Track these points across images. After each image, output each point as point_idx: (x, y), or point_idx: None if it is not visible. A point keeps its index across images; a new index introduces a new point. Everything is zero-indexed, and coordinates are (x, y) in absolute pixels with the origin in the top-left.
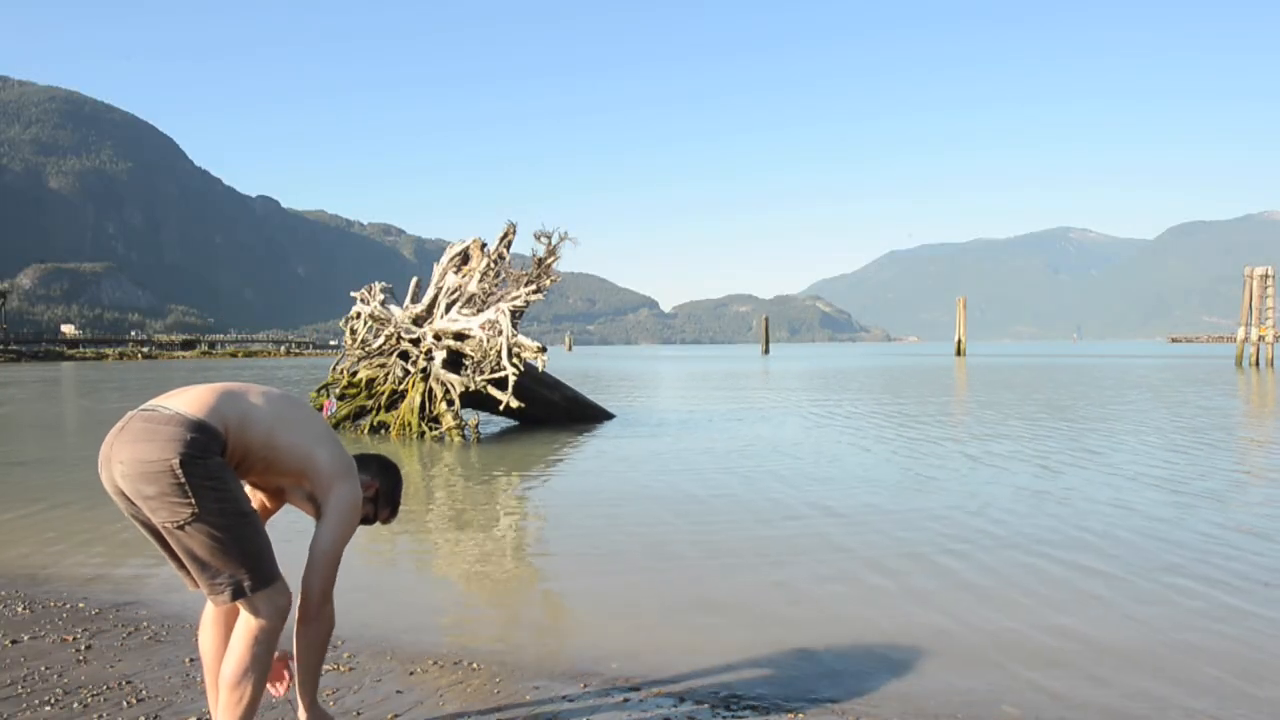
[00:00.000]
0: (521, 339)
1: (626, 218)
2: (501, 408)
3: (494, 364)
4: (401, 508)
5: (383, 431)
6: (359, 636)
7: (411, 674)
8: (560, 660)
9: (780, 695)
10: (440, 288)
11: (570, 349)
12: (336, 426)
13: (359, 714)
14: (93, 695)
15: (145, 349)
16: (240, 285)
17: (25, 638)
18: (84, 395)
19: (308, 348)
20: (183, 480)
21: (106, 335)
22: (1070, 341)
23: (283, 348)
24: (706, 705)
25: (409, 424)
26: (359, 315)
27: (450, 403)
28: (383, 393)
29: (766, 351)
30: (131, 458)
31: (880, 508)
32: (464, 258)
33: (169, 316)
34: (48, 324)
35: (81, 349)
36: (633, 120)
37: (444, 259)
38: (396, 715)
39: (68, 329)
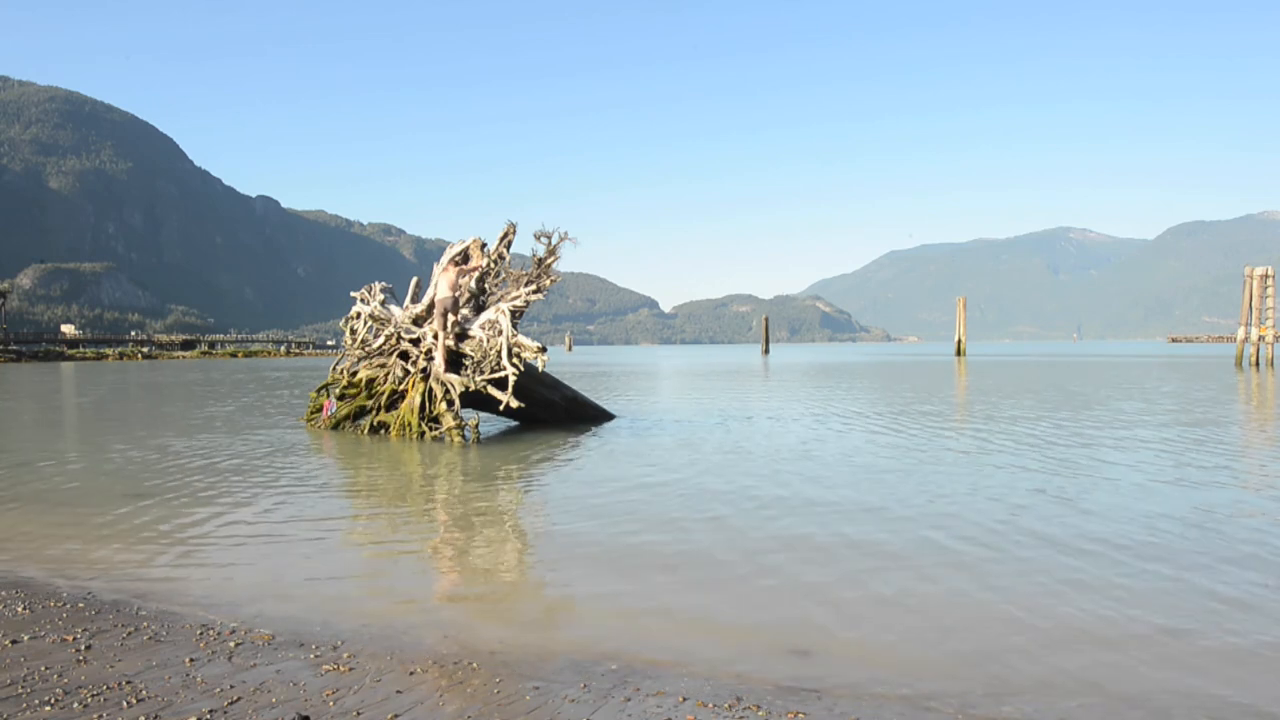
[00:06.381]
0: (521, 339)
1: (626, 218)
2: (501, 408)
3: (494, 364)
4: (401, 508)
5: (383, 431)
6: (359, 636)
7: (411, 674)
8: (560, 660)
9: (781, 695)
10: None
11: (570, 349)
12: (336, 426)
13: (359, 714)
14: (93, 695)
15: (145, 349)
16: (240, 285)
17: (25, 638)
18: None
19: (308, 348)
20: None
21: (106, 335)
22: (1070, 341)
23: (283, 348)
24: (708, 706)
25: (409, 424)
26: (359, 315)
27: (450, 403)
28: (383, 393)
29: (766, 351)
30: None
31: (882, 506)
32: (464, 257)
33: (169, 316)
34: (48, 324)
35: (81, 349)
36: (632, 120)
37: (444, 259)
38: (396, 715)
39: (68, 329)
